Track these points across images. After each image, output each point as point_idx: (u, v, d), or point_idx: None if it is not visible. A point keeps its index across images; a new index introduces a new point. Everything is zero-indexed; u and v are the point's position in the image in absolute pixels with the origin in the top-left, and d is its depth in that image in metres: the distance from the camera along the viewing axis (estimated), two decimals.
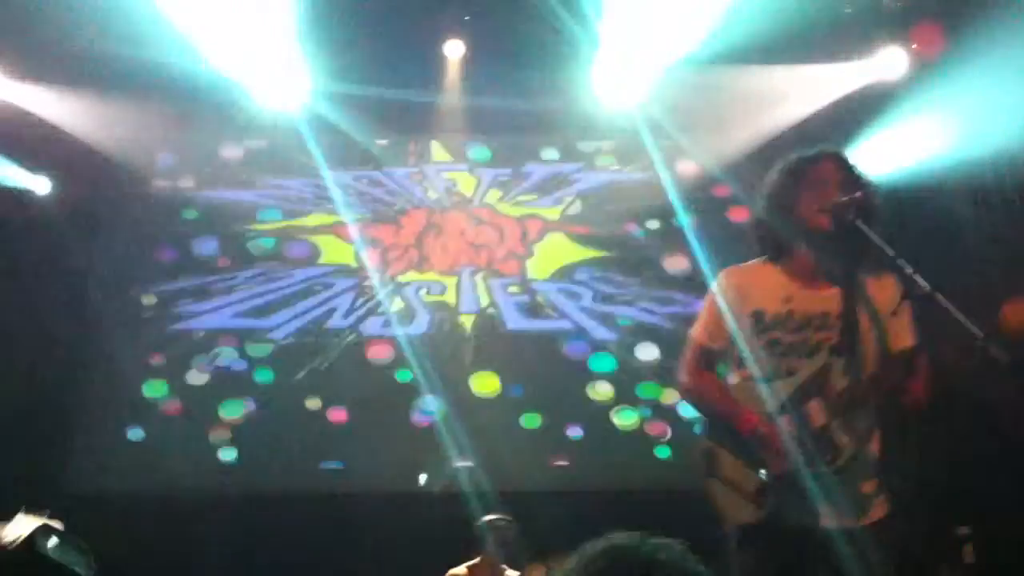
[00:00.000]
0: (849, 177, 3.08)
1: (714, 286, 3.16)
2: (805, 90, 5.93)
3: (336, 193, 6.55)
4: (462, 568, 4.75)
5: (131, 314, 6.34)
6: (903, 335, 2.97)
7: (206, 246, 6.58)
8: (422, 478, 5.98)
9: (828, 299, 3.01)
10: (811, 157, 3.15)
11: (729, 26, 5.39)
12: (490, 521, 4.86)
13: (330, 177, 6.52)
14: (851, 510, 2.89)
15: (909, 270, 2.77)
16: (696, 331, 3.16)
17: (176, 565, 5.34)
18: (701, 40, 5.51)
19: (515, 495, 5.28)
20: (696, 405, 3.25)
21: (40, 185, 6.38)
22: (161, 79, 5.83)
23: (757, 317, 3.05)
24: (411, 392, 6.14)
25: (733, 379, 3.10)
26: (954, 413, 4.68)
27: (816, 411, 2.97)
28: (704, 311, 3.17)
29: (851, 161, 3.14)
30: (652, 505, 5.27)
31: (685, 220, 6.26)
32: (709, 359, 3.12)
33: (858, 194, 2.93)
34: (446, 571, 4.77)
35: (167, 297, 6.42)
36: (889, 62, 5.88)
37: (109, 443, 6.03)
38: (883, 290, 3.01)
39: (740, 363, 3.06)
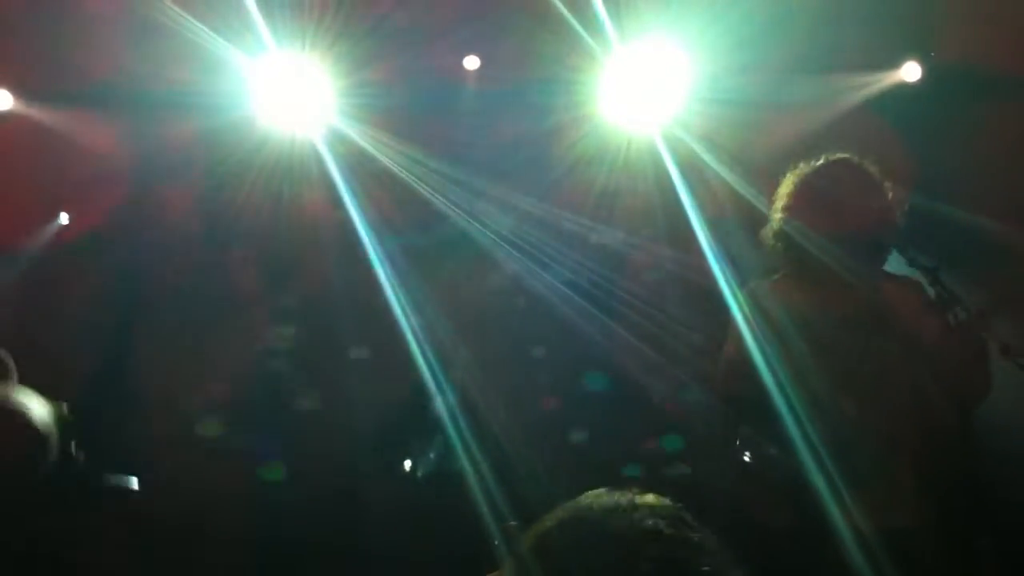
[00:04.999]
0: (864, 183, 3.07)
1: (740, 302, 3.24)
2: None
3: None
4: None
5: None
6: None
7: None
8: (407, 464, 6.01)
9: (853, 298, 3.00)
10: (823, 167, 3.13)
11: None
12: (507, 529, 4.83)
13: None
14: (886, 505, 2.88)
15: (931, 267, 2.80)
16: (727, 347, 3.25)
17: None
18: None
19: None
20: (734, 411, 3.34)
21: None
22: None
23: (785, 326, 3.03)
24: None
25: None
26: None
27: (848, 402, 2.95)
28: (733, 326, 3.24)
29: (864, 166, 3.13)
30: None
31: None
32: (743, 369, 3.15)
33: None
34: None
35: None
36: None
37: None
38: (903, 290, 3.01)
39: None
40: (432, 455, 6.05)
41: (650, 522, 1.31)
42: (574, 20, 5.44)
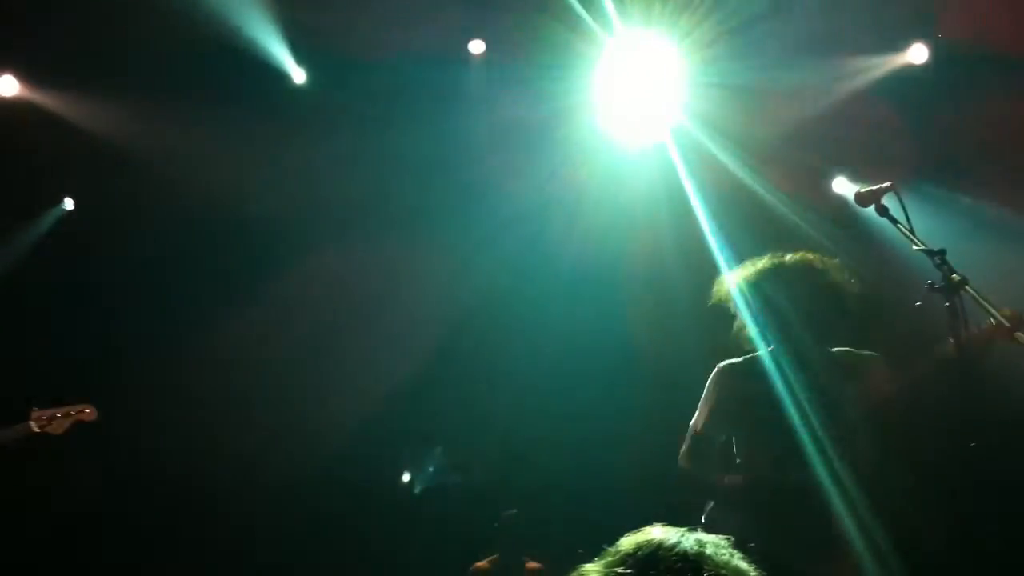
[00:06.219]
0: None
1: (712, 380, 3.42)
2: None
3: None
4: (484, 563, 4.76)
5: None
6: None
7: None
8: (405, 476, 6.05)
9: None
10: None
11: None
12: (508, 516, 4.87)
13: None
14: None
15: (938, 260, 2.78)
16: (694, 421, 3.42)
17: None
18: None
19: None
20: (691, 487, 3.47)
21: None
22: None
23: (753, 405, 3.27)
24: None
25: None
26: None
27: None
28: (702, 402, 3.42)
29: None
30: None
31: None
32: (704, 447, 3.38)
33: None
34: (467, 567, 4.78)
35: None
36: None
37: None
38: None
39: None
40: (431, 469, 6.07)
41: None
42: (576, 3, 5.41)
